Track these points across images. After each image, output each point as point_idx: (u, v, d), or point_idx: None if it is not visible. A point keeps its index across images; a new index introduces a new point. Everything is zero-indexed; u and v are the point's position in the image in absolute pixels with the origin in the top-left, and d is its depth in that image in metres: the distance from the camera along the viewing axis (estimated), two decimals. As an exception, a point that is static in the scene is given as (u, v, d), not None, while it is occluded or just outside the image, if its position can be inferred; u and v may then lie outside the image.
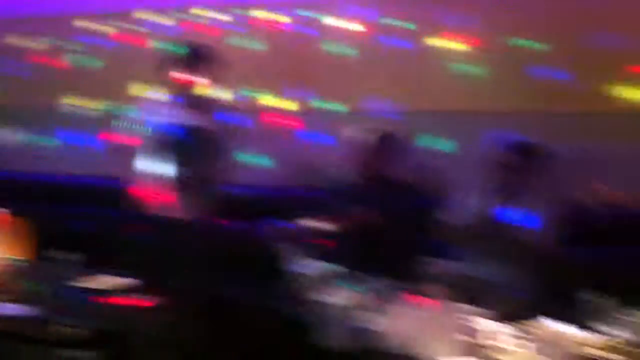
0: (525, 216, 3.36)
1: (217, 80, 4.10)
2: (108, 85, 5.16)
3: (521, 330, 2.45)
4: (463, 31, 4.16)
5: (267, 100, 4.71)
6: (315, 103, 4.56)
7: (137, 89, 4.90)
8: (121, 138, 4.08)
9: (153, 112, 4.03)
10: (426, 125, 4.22)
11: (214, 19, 4.87)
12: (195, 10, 4.94)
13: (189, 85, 3.95)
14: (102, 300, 3.01)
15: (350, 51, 4.45)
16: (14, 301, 3.00)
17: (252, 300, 2.97)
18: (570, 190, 3.62)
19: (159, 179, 3.94)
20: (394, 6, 4.40)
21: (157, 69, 4.01)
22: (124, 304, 2.99)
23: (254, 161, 4.68)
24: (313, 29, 4.57)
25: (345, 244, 3.62)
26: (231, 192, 4.19)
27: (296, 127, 4.65)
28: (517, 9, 4.11)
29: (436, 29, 4.24)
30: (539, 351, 2.19)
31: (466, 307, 2.59)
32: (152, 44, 4.97)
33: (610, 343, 2.40)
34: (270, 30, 4.70)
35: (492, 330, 2.51)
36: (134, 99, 4.66)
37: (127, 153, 4.05)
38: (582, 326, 2.49)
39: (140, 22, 5.12)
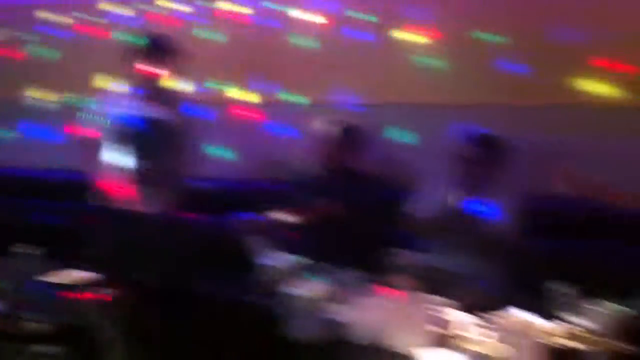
0: (489, 208, 3.40)
1: (180, 72, 4.07)
2: (70, 77, 5.08)
3: (488, 320, 2.48)
4: (426, 24, 4.18)
5: (231, 92, 4.68)
6: (279, 95, 4.55)
7: (99, 81, 4.83)
8: (83, 130, 4.02)
9: (115, 104, 3.98)
10: (390, 118, 4.23)
11: (177, 11, 4.82)
12: (158, 2, 4.89)
13: (151, 77, 3.91)
14: (66, 294, 2.98)
15: (314, 43, 4.45)
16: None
17: (219, 293, 2.96)
18: (533, 183, 3.67)
19: (121, 171, 3.90)
20: (357, -2, 4.41)
21: (119, 60, 3.96)
22: (88, 299, 2.96)
23: (218, 154, 4.66)
24: (277, 21, 4.55)
25: (311, 237, 3.63)
26: (196, 185, 4.17)
27: (260, 119, 4.63)
28: (479, 2, 4.14)
29: (399, 22, 4.25)
30: (506, 341, 2.21)
31: (433, 298, 2.61)
32: (115, 35, 4.91)
33: (574, 332, 2.45)
34: (233, 22, 4.67)
35: (460, 321, 2.54)
36: (96, 91, 4.60)
37: (89, 145, 4.00)
38: (548, 316, 2.53)
39: (102, 13, 5.05)
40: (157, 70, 3.90)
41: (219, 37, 4.69)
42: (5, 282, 3.02)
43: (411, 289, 2.69)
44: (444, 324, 2.50)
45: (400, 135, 4.22)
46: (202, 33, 4.71)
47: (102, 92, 4.35)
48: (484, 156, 3.58)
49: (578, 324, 2.47)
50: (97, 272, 3.20)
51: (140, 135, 3.94)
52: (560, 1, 3.93)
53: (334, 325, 2.54)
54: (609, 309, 2.42)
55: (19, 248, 3.16)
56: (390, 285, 2.73)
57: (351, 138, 4.02)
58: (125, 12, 5.00)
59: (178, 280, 3.16)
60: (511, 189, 3.51)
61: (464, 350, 2.26)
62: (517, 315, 2.47)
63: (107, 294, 3.00)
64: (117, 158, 3.92)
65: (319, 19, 4.48)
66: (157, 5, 4.89)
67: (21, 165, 5.08)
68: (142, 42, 3.96)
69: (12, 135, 5.15)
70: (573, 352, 2.36)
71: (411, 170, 4.09)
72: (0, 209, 3.77)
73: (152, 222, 3.88)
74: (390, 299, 2.58)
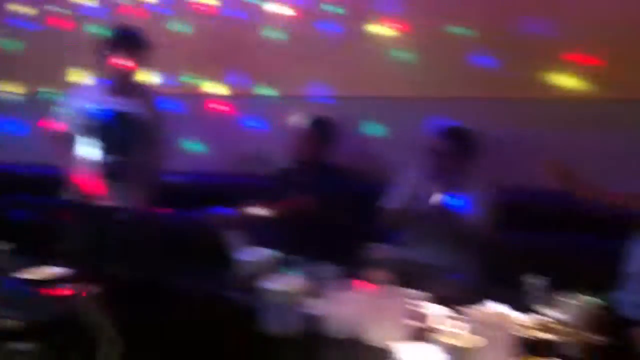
0: (462, 201, 3.43)
1: (150, 64, 4.04)
2: (40, 70, 5.02)
3: (462, 313, 2.51)
4: (397, 17, 4.19)
5: (203, 85, 4.67)
6: (251, 88, 4.54)
7: (69, 74, 4.78)
8: (53, 124, 3.98)
9: (85, 98, 3.95)
10: (361, 111, 4.25)
11: (148, 3, 4.78)
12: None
13: (122, 70, 3.88)
14: (37, 290, 2.95)
15: (284, 36, 4.44)
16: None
17: (194, 288, 2.96)
18: (505, 176, 3.72)
19: (92, 166, 3.87)
20: (328, -9, 4.41)
21: (89, 53, 3.92)
22: (60, 294, 2.94)
23: (190, 147, 4.64)
24: (248, 14, 4.54)
25: (286, 230, 3.64)
26: (170, 179, 4.15)
27: (232, 112, 4.62)
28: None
29: (370, 15, 4.26)
30: (480, 333, 2.24)
31: (409, 291, 2.64)
32: (85, 28, 4.85)
33: (546, 324, 2.50)
34: (204, 14, 4.64)
35: (435, 314, 2.57)
36: (67, 84, 4.55)
37: (59, 140, 3.96)
38: (522, 308, 2.57)
39: (72, 5, 4.99)
40: (128, 63, 3.87)
41: (190, 29, 4.67)
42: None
43: (386, 283, 2.71)
44: (420, 317, 2.53)
45: (371, 129, 4.24)
46: (173, 25, 4.68)
47: (73, 85, 4.31)
48: (455, 149, 3.61)
49: (550, 316, 2.52)
50: (69, 268, 3.17)
51: (111, 129, 3.91)
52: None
53: (309, 319, 2.55)
54: (581, 301, 2.47)
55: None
56: (366, 279, 2.75)
57: (323, 131, 4.04)
58: (96, 4, 4.95)
59: (151, 275, 3.15)
60: (483, 182, 3.55)
61: (439, 343, 2.28)
62: (491, 307, 2.50)
63: (80, 289, 2.97)
64: (88, 152, 3.89)
65: (290, 12, 4.47)
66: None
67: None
68: (112, 34, 3.93)
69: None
70: (545, 343, 2.40)
71: (383, 163, 4.12)
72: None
73: (123, 217, 3.86)
74: (366, 292, 2.60)
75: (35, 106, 4.76)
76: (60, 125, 3.95)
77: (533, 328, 2.48)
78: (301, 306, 2.58)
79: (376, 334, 2.38)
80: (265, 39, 4.47)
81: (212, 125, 4.64)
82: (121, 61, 3.85)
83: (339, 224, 3.73)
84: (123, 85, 3.92)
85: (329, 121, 4.06)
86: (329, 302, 2.57)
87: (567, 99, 3.80)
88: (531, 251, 3.51)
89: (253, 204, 3.73)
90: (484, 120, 3.75)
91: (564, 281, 2.53)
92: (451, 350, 2.24)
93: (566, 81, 3.82)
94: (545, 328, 2.47)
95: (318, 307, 2.59)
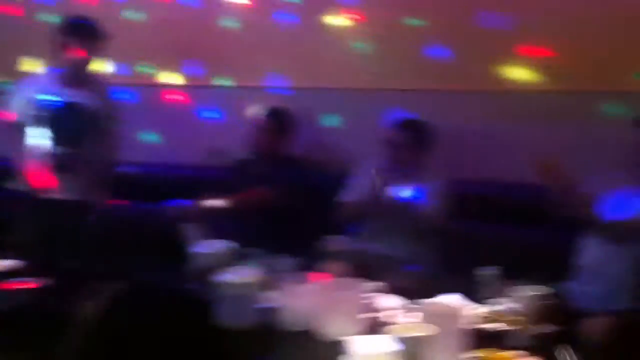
0: (416, 192, 3.46)
1: (104, 54, 3.99)
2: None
3: (417, 304, 2.54)
4: (352, 8, 4.20)
5: (158, 75, 4.61)
6: (207, 79, 4.51)
7: (21, 64, 4.69)
8: (3, 114, 3.90)
9: (37, 88, 3.88)
10: (318, 102, 4.25)
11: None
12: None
13: (75, 59, 3.82)
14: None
15: (242, 26, 4.41)
16: None
17: (150, 281, 2.93)
18: (459, 168, 3.76)
19: (42, 157, 3.80)
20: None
21: (41, 42, 3.85)
22: (12, 288, 2.90)
23: (145, 138, 4.59)
24: (205, 2, 4.49)
25: (243, 223, 3.63)
26: (125, 171, 4.11)
27: (187, 103, 4.58)
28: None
29: (327, 6, 4.25)
30: (433, 324, 2.27)
31: (365, 283, 2.66)
32: (38, 16, 4.75)
33: (497, 314, 2.54)
34: (159, 3, 4.58)
35: (390, 305, 2.59)
36: (18, 74, 4.47)
37: (10, 130, 3.88)
38: (474, 299, 2.61)
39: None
40: (81, 53, 3.81)
41: (145, 18, 4.60)
42: None
43: (343, 275, 2.73)
44: (375, 308, 2.55)
45: (327, 120, 4.25)
46: (127, 14, 4.61)
47: (25, 75, 4.23)
48: (410, 141, 3.64)
49: (502, 306, 2.56)
50: (21, 260, 3.13)
51: (61, 120, 3.85)
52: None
53: (266, 312, 2.55)
54: (531, 291, 2.52)
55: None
56: (322, 271, 2.76)
57: (280, 122, 4.03)
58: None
59: (105, 268, 3.12)
60: (437, 174, 3.59)
61: (393, 334, 2.30)
62: (445, 299, 2.53)
63: (31, 282, 2.94)
64: (38, 143, 3.82)
65: (246, 1, 4.44)
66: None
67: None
68: (66, 23, 3.86)
69: None
70: (496, 334, 2.45)
71: (341, 154, 4.12)
72: None
73: (73, 209, 3.81)
74: (321, 284, 2.61)
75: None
76: (10, 115, 3.87)
77: (485, 319, 2.52)
78: (257, 299, 2.58)
79: (331, 327, 2.39)
80: (222, 29, 4.43)
81: (167, 115, 4.59)
82: (75, 51, 3.78)
83: (296, 216, 3.73)
84: (76, 75, 3.86)
85: (287, 112, 4.05)
86: (285, 295, 2.58)
87: (519, 91, 3.85)
88: (485, 243, 3.55)
89: (209, 196, 3.72)
90: (438, 112, 3.78)
91: (517, 272, 2.58)
92: (405, 340, 2.26)
93: (518, 73, 3.86)
94: (497, 318, 2.52)
95: (274, 299, 2.59)
